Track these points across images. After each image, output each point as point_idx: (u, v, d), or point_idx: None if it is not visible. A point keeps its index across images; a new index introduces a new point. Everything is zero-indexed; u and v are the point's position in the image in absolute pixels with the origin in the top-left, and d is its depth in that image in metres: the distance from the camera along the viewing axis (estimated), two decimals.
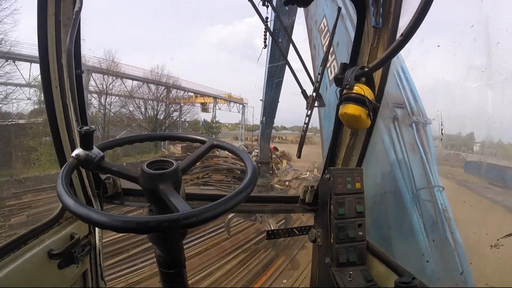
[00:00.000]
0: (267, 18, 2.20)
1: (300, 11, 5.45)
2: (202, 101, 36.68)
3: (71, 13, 1.78)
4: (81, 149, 1.28)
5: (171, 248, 1.43)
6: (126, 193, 2.29)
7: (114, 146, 1.57)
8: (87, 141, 1.28)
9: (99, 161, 1.30)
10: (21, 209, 11.94)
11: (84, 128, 1.25)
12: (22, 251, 1.63)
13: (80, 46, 1.92)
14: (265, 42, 2.30)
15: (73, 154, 1.28)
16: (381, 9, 1.98)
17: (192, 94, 35.05)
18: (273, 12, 2.40)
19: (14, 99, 20.50)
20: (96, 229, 2.21)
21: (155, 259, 1.50)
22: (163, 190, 1.19)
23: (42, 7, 1.69)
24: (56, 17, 1.73)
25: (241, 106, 40.11)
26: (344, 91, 1.97)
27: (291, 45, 2.58)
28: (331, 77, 4.10)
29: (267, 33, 2.23)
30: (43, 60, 1.76)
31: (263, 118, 9.58)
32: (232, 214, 9.28)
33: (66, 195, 1.07)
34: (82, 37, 1.92)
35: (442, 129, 2.49)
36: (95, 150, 1.30)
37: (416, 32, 1.42)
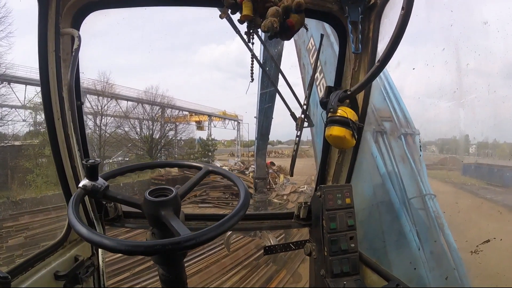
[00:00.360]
0: (253, 54, 2.30)
1: None
2: (197, 119, 36.59)
3: (70, 48, 1.89)
4: (87, 180, 1.42)
5: (173, 267, 1.55)
6: (127, 215, 2.39)
7: (117, 175, 1.70)
8: (92, 172, 1.41)
9: (105, 191, 1.44)
10: (18, 231, 11.87)
11: (90, 161, 1.39)
12: (30, 273, 1.72)
13: (79, 79, 2.05)
14: (252, 75, 2.38)
15: (81, 184, 1.41)
16: (359, 35, 2.11)
17: (187, 112, 35.05)
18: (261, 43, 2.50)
19: (9, 120, 20.36)
20: (100, 250, 2.29)
21: (157, 277, 1.60)
22: (165, 216, 1.32)
23: (43, 44, 1.78)
24: (56, 54, 1.82)
25: (236, 123, 40.21)
26: (329, 114, 2.11)
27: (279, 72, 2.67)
28: (321, 94, 4.21)
29: (255, 65, 2.32)
30: (45, 93, 1.84)
31: (258, 135, 9.68)
32: (231, 232, 9.26)
33: (79, 224, 1.19)
34: (80, 70, 2.04)
35: (420, 146, 2.61)
36: (100, 181, 1.44)
37: (393, 56, 1.55)
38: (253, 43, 2.05)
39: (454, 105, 2.39)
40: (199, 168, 1.72)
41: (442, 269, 2.71)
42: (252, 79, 2.40)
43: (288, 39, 1.96)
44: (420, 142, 2.68)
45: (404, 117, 3.46)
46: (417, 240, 2.87)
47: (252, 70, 2.32)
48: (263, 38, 2.46)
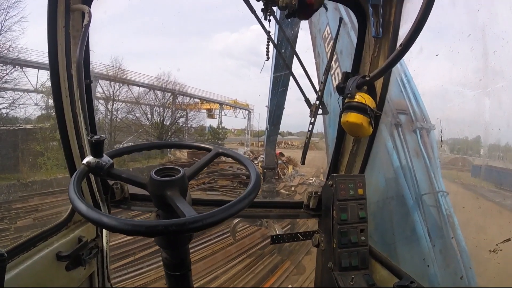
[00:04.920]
0: (269, 32, 2.24)
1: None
2: (208, 107, 36.65)
3: (80, 25, 1.84)
4: (91, 157, 1.35)
5: (178, 251, 1.48)
6: (133, 198, 2.35)
7: (123, 153, 1.63)
8: (97, 149, 1.34)
9: (109, 168, 1.37)
10: (27, 212, 12.07)
11: (95, 137, 1.32)
12: (31, 253, 1.69)
13: (89, 57, 2.00)
14: (267, 54, 2.32)
15: (84, 161, 1.35)
16: (381, 19, 2.02)
17: (198, 100, 35.09)
18: (276, 24, 2.45)
19: (21, 104, 20.57)
20: (104, 232, 2.26)
21: (161, 263, 1.55)
22: (171, 196, 1.24)
23: (52, 20, 1.75)
24: (65, 30, 1.80)
25: (246, 112, 40.10)
26: (346, 100, 2.02)
27: (294, 54, 2.62)
28: (335, 84, 4.13)
29: (270, 45, 2.26)
30: (53, 70, 1.82)
31: (268, 124, 9.59)
32: (238, 219, 9.28)
33: (78, 200, 1.13)
34: (91, 48, 2.00)
35: (441, 137, 2.52)
36: (105, 158, 1.37)
37: (415, 41, 1.46)
38: (269, 20, 1.97)
39: (479, 94, 2.29)
40: (208, 150, 1.65)
41: (456, 268, 2.64)
42: (268, 58, 2.35)
43: (307, 18, 1.87)
44: (440, 136, 2.57)
45: (420, 111, 3.36)
46: (428, 237, 2.80)
47: (267, 48, 2.27)
48: (278, 18, 2.39)
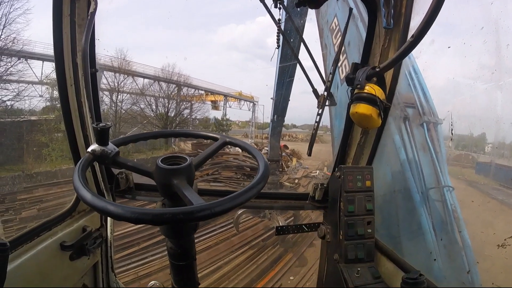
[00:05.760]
0: (279, 19, 2.22)
1: (312, 11, 5.44)
2: (213, 99, 36.65)
3: (85, 13, 1.83)
4: (97, 145, 1.34)
5: (183, 241, 1.48)
6: (138, 187, 2.33)
7: (128, 142, 1.61)
8: (103, 137, 1.33)
9: (115, 156, 1.36)
10: (32, 203, 12.18)
11: (100, 124, 1.31)
12: (35, 243, 1.68)
13: (94, 45, 1.97)
14: (278, 42, 2.31)
15: (89, 149, 1.34)
16: (392, 10, 1.98)
17: (203, 92, 35.10)
18: (285, 13, 2.42)
19: (26, 96, 20.69)
20: (108, 222, 2.26)
21: (165, 253, 1.55)
22: (177, 185, 1.23)
23: (57, 8, 1.74)
24: (71, 18, 1.78)
25: (251, 104, 40.00)
26: (355, 91, 1.99)
27: (302, 44, 2.60)
28: (342, 76, 4.09)
29: (279, 34, 2.25)
30: (58, 59, 1.81)
31: (273, 116, 9.55)
32: (241, 211, 9.33)
33: (83, 188, 1.11)
34: (96, 37, 1.97)
35: (452, 129, 2.49)
36: (111, 146, 1.36)
37: (427, 33, 1.44)
38: (280, 8, 1.95)
39: (491, 87, 2.26)
40: (215, 139, 1.63)
41: (462, 263, 2.63)
42: (278, 45, 2.34)
43: (317, 7, 1.84)
44: (451, 129, 2.55)
45: (428, 104, 3.32)
46: (433, 232, 2.79)
47: (278, 36, 2.25)
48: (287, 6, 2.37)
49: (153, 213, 1.02)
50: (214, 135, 1.69)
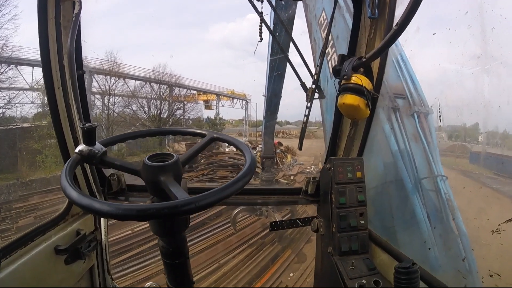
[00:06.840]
0: (262, 12, 2.20)
1: (300, 6, 5.44)
2: (205, 98, 36.66)
3: (71, 15, 1.81)
4: (84, 145, 1.33)
5: (174, 239, 1.47)
6: (131, 189, 2.32)
7: (116, 142, 1.61)
8: (89, 137, 1.32)
9: (102, 156, 1.35)
10: (28, 211, 12.08)
11: (87, 124, 1.29)
12: (29, 248, 1.66)
13: (81, 47, 1.97)
14: (260, 35, 2.29)
15: (77, 150, 1.33)
16: (376, 0, 1.99)
17: (195, 92, 35.09)
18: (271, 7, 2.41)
19: (17, 103, 20.60)
20: (102, 224, 2.24)
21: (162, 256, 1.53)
22: (164, 181, 1.23)
23: (42, 11, 1.72)
24: (56, 20, 1.76)
25: (244, 102, 40.13)
26: (342, 82, 1.99)
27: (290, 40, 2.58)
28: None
29: (263, 27, 2.23)
30: (45, 61, 1.79)
31: (266, 112, 9.55)
32: (238, 209, 9.32)
33: (70, 187, 1.10)
34: (83, 38, 1.96)
35: (440, 116, 2.49)
36: (98, 146, 1.35)
37: (412, 21, 1.44)
38: (262, 1, 1.93)
39: (478, 72, 2.26)
40: (203, 135, 1.64)
41: (457, 251, 2.63)
42: (261, 39, 2.32)
43: None
44: (439, 116, 2.55)
45: (418, 94, 3.33)
46: (428, 221, 2.80)
47: (260, 29, 2.23)
48: (273, 1, 2.36)
49: (137, 209, 1.01)
50: (202, 132, 1.69)
